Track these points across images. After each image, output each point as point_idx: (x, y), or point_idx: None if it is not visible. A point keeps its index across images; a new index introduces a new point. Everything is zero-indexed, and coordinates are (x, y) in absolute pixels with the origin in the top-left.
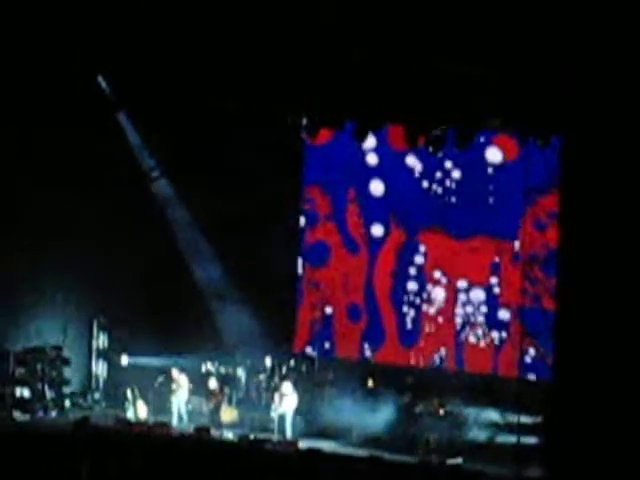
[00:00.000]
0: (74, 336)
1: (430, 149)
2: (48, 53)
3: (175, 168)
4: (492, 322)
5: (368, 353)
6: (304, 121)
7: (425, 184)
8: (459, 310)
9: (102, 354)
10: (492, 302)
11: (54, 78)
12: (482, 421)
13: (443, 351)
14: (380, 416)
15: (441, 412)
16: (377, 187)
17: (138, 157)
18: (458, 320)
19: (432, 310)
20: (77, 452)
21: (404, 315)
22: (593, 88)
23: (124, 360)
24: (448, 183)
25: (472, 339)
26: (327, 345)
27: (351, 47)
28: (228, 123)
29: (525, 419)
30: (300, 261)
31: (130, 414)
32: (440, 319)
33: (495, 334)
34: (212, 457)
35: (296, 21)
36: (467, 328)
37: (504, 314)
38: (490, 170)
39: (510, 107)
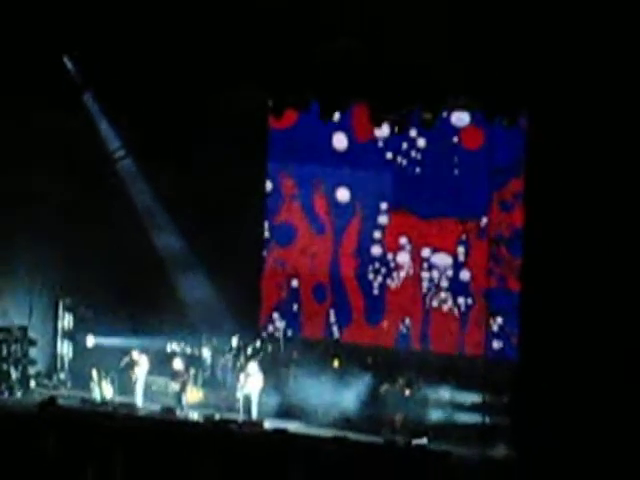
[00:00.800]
0: (40, 316)
1: (395, 130)
2: (14, 33)
3: (142, 149)
4: (457, 287)
5: (335, 333)
6: (270, 102)
7: (389, 156)
8: (424, 274)
9: (67, 335)
10: (457, 268)
11: (20, 59)
12: (448, 401)
13: (408, 321)
14: (346, 396)
15: (407, 392)
16: (343, 170)
17: (104, 138)
18: (424, 285)
19: (397, 282)
20: (43, 432)
21: (370, 292)
22: (559, 66)
23: (89, 341)
24: (414, 154)
25: (436, 304)
26: (293, 324)
27: (316, 29)
28: (194, 105)
29: (491, 399)
30: (266, 240)
31: (95, 395)
32: (405, 288)
33: (460, 300)
34: (177, 437)
35: (261, 3)
36: (433, 290)
37: (466, 275)
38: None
39: (476, 86)
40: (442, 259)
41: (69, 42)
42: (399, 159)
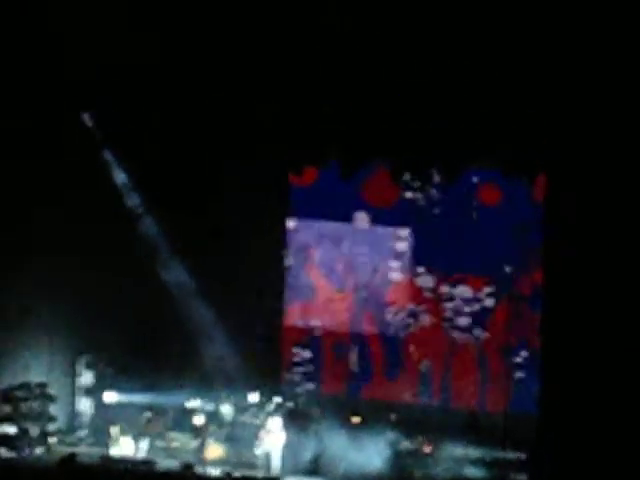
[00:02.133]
0: (59, 373)
1: (416, 185)
2: (35, 90)
3: (161, 205)
4: (478, 342)
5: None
6: (288, 159)
7: (409, 213)
8: (446, 331)
9: (87, 391)
10: (478, 323)
11: (40, 115)
12: (468, 457)
13: (428, 362)
14: (366, 453)
15: (426, 449)
16: (363, 222)
17: (123, 194)
18: (445, 341)
19: (418, 338)
20: None
21: (391, 349)
22: (577, 128)
23: (109, 397)
24: (433, 211)
25: (457, 359)
26: (313, 382)
27: (335, 84)
28: (214, 160)
29: (512, 455)
30: (285, 297)
31: (115, 451)
32: (426, 343)
33: (481, 355)
34: None
35: (281, 59)
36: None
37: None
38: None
39: (494, 145)
40: (465, 320)
41: (88, 99)
42: (418, 216)
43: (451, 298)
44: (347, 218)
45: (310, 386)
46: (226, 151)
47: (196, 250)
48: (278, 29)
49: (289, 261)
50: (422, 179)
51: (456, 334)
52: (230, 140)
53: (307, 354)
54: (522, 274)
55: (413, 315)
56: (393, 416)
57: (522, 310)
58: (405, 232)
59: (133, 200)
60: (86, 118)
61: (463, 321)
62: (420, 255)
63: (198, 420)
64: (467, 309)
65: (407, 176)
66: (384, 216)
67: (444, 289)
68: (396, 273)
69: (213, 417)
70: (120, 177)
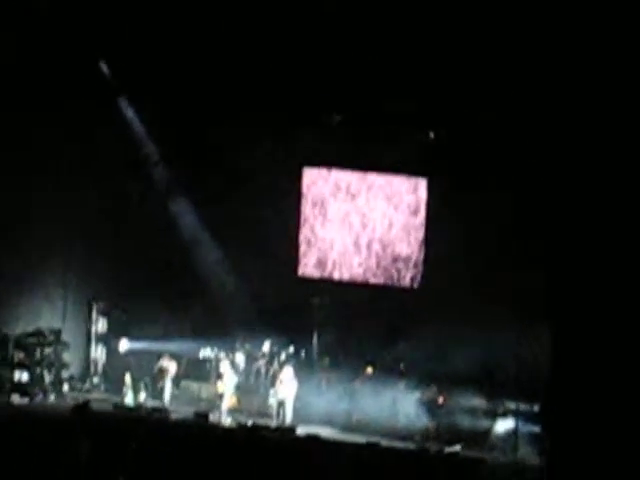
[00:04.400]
0: (73, 320)
1: None
2: (50, 39)
3: (175, 155)
4: None
5: None
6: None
7: None
8: None
9: (101, 338)
10: None
11: (56, 63)
12: (480, 408)
13: None
14: (379, 403)
15: (440, 400)
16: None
17: (139, 143)
18: None
19: None
20: (76, 436)
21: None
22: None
23: (123, 345)
24: None
25: None
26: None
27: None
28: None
29: (524, 407)
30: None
31: (128, 399)
32: None
33: None
34: (209, 443)
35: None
36: None
37: None
38: None
39: None
40: None
41: (106, 48)
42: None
43: None
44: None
45: (322, 336)
46: (243, 101)
47: (212, 199)
48: None
49: (305, 212)
50: None
51: None
52: (245, 89)
53: (319, 302)
54: None
55: None
56: (402, 365)
57: None
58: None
59: (149, 148)
60: (103, 66)
61: None
62: None
63: (212, 368)
64: None
65: None
66: None
67: None
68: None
69: (227, 366)
70: (136, 125)
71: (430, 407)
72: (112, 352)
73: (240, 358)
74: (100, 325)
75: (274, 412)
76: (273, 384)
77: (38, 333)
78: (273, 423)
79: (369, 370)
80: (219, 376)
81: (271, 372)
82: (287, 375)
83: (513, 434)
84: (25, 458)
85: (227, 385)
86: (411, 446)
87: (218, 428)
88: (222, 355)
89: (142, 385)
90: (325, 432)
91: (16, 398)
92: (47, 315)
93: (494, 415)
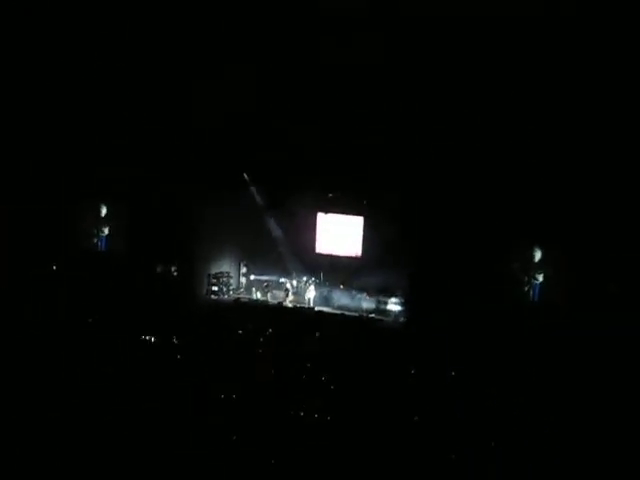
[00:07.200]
0: (233, 267)
1: None
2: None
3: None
4: None
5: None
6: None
7: None
8: None
9: (243, 274)
10: None
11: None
12: (384, 300)
13: None
14: (347, 299)
15: (368, 298)
16: None
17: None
18: None
19: None
20: (235, 311)
21: None
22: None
23: (251, 277)
24: None
25: None
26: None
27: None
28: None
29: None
30: (317, 235)
31: (253, 297)
32: None
33: None
34: (283, 312)
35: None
36: None
37: None
38: None
39: None
40: None
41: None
42: None
43: None
44: None
45: (327, 276)
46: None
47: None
48: None
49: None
50: None
51: None
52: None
53: (327, 262)
54: None
55: None
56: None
57: None
58: None
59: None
60: None
61: None
62: None
63: (284, 286)
64: None
65: None
66: None
67: None
68: None
69: (289, 285)
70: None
71: (364, 300)
72: (247, 280)
73: (294, 282)
74: (243, 269)
75: (306, 302)
76: (306, 291)
77: (221, 273)
78: (306, 306)
79: (341, 286)
80: (286, 289)
81: (305, 287)
82: (311, 288)
83: (399, 311)
84: (214, 324)
85: (289, 292)
86: (356, 315)
87: (286, 307)
88: (287, 280)
89: (260, 291)
90: (325, 309)
91: (212, 297)
92: (225, 266)
93: (388, 303)
